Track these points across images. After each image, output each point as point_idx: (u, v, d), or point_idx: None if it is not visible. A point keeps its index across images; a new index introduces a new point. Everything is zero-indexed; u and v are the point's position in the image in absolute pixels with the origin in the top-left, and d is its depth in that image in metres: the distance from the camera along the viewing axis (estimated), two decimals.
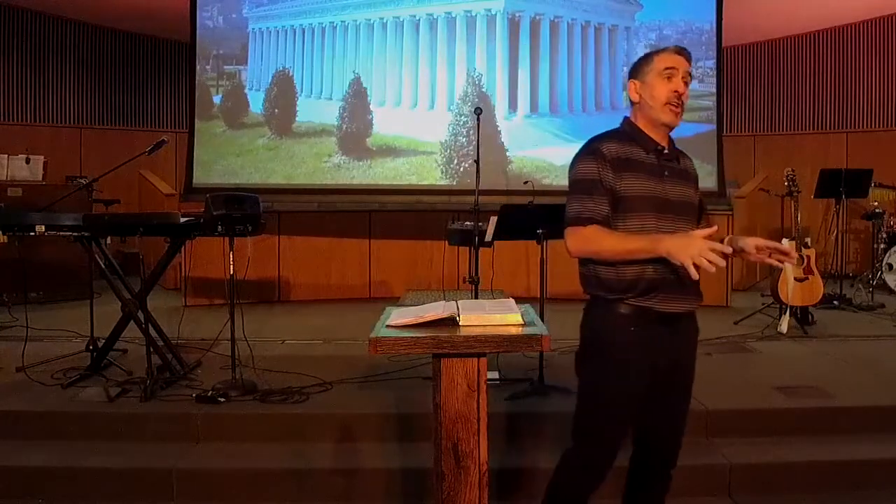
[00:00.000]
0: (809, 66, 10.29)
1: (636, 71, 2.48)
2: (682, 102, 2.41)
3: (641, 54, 2.53)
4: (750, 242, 2.43)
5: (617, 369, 2.38)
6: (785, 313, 5.94)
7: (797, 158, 8.82)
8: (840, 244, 7.76)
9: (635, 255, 2.28)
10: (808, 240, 6.06)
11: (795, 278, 5.82)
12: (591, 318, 2.48)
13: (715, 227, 2.23)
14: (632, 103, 2.49)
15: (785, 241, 5.81)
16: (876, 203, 8.23)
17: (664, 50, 2.45)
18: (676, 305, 2.38)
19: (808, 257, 5.88)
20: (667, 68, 2.39)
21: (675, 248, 2.16)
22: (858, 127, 9.90)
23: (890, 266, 7.96)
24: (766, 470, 3.60)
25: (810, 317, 6.08)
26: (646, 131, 2.45)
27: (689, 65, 2.44)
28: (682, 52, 2.44)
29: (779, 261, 2.45)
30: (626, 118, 2.52)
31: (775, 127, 10.49)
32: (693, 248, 2.12)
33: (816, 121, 10.23)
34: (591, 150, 2.41)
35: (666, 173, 2.41)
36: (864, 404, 4.03)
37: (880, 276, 7.99)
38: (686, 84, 2.42)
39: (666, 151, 2.45)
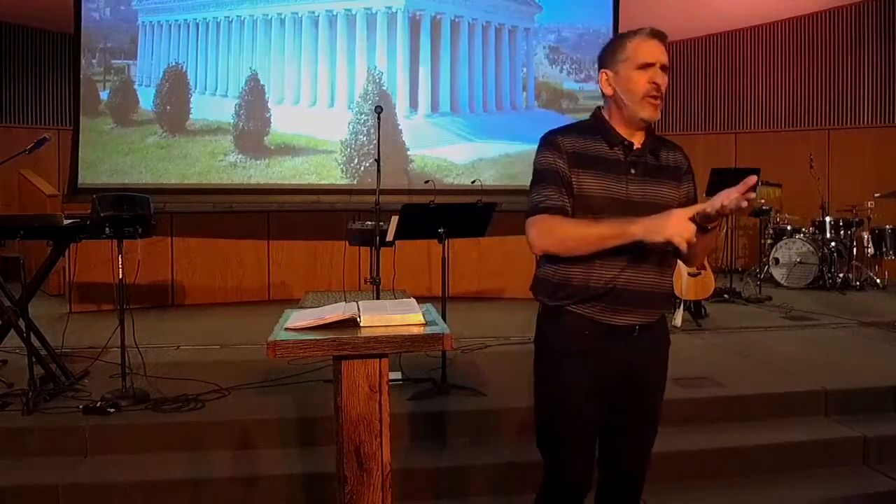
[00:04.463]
0: (699, 70, 10.72)
1: (607, 59, 2.24)
2: (661, 93, 2.18)
3: (610, 42, 2.26)
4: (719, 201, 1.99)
5: (560, 383, 2.26)
6: (679, 307, 6.14)
7: (689, 158, 9.15)
8: (730, 240, 8.11)
9: (606, 241, 2.08)
10: None
11: (689, 273, 6.02)
12: (538, 326, 2.33)
13: (699, 206, 2.01)
14: (604, 95, 2.27)
15: None
16: (763, 200, 8.64)
17: (637, 34, 2.20)
18: (624, 318, 2.21)
19: None
20: (645, 65, 2.16)
21: (650, 229, 2.00)
22: (746, 128, 10.38)
23: (776, 260, 8.37)
24: (664, 459, 3.67)
25: (703, 310, 6.31)
26: (614, 125, 2.24)
27: (666, 50, 2.20)
28: (657, 35, 2.19)
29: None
30: (596, 108, 2.31)
31: (668, 127, 10.86)
32: (671, 227, 1.96)
33: (706, 122, 10.67)
34: (548, 141, 2.23)
35: (632, 171, 2.20)
36: (753, 392, 4.19)
37: (767, 270, 8.41)
38: (665, 72, 2.18)
39: (636, 147, 2.23)
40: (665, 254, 2.22)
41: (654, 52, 2.17)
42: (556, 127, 2.30)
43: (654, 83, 2.15)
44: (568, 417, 2.27)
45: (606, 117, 2.27)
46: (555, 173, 2.19)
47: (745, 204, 1.98)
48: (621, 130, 2.23)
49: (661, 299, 2.29)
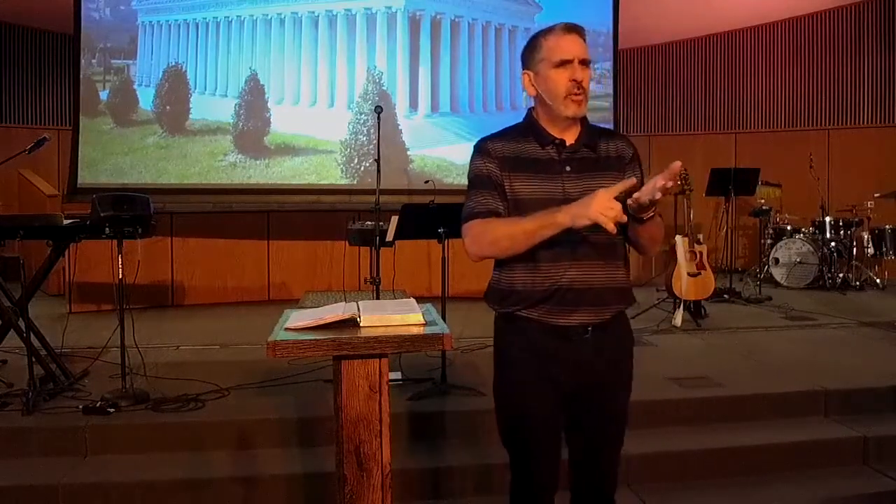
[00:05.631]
0: (699, 70, 10.70)
1: (527, 60, 2.22)
2: (585, 89, 2.14)
3: (528, 42, 2.24)
4: (648, 189, 2.00)
5: (514, 385, 2.25)
6: (679, 307, 6.13)
7: (689, 158, 9.12)
8: (729, 240, 8.11)
9: (535, 233, 2.06)
10: (700, 236, 6.29)
11: (689, 273, 6.02)
12: (494, 333, 2.31)
13: (632, 181, 2.02)
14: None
15: (678, 238, 6.03)
16: (763, 200, 8.64)
17: (552, 31, 2.17)
18: (571, 318, 2.17)
19: (701, 253, 6.09)
20: (562, 62, 2.12)
21: (575, 213, 1.98)
22: (746, 128, 10.37)
23: (776, 260, 8.36)
24: (663, 459, 3.70)
25: (703, 310, 6.30)
26: (544, 125, 2.21)
27: (584, 42, 2.17)
28: (572, 29, 2.16)
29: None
30: (529, 109, 2.28)
31: (668, 127, 10.86)
32: (594, 206, 1.93)
33: (706, 122, 10.65)
34: (478, 148, 2.23)
35: (567, 168, 2.17)
36: (753, 392, 4.19)
37: (767, 270, 8.40)
38: (586, 66, 2.15)
39: (569, 143, 2.20)
40: (610, 247, 2.16)
41: (570, 48, 2.14)
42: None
43: (575, 80, 2.12)
44: (524, 421, 2.26)
45: (536, 117, 2.25)
46: (486, 178, 2.18)
47: (658, 195, 1.98)
48: (551, 129, 2.21)
49: (613, 296, 2.23)
